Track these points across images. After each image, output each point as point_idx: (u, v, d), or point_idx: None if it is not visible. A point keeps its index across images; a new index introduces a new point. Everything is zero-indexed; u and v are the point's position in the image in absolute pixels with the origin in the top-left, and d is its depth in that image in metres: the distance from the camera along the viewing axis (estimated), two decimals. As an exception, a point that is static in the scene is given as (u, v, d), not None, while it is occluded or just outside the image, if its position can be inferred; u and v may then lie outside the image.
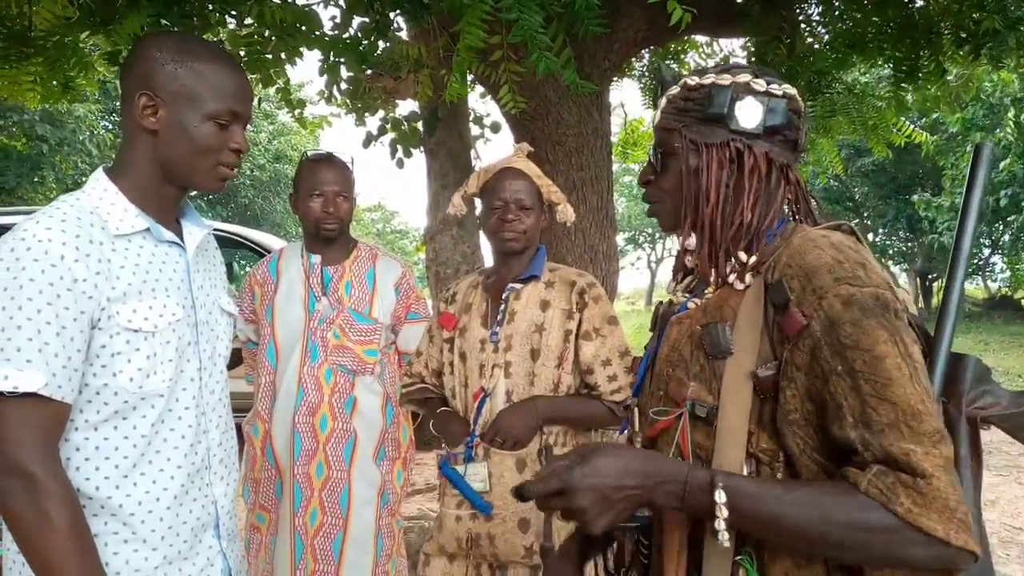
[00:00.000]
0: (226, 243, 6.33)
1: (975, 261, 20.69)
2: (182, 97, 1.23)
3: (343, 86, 4.17)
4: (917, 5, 3.42)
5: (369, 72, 3.84)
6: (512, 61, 2.41)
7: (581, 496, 0.94)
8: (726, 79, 1.10)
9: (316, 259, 2.45)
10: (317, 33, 3.69)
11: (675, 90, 1.15)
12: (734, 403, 1.01)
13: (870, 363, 0.91)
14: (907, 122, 4.61)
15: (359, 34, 3.76)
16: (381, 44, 3.76)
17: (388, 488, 2.47)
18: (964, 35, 3.27)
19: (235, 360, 2.33)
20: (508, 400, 1.96)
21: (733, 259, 1.11)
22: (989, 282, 27.03)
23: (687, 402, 1.06)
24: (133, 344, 1.20)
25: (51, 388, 1.11)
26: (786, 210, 1.16)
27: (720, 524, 0.92)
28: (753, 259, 1.09)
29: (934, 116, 11.80)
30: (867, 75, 5.29)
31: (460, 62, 2.29)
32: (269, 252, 3.02)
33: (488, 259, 4.51)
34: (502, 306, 2.03)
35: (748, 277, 1.08)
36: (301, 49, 3.84)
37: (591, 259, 3.41)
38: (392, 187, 53.54)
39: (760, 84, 1.10)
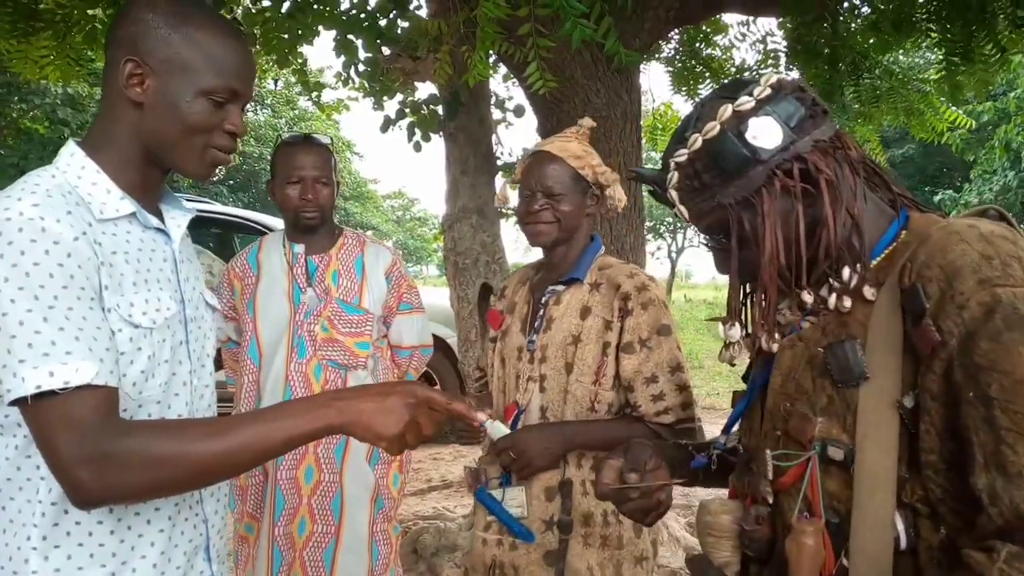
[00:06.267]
0: (241, 229, 6.26)
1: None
2: (175, 67, 1.06)
3: (360, 67, 4.02)
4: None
5: (387, 53, 3.69)
6: (540, 35, 2.24)
7: None
8: (712, 126, 0.91)
9: (299, 248, 2.30)
10: (328, 11, 3.56)
11: (675, 178, 0.96)
12: (876, 441, 0.82)
13: (1009, 389, 0.73)
14: (951, 107, 4.35)
15: (376, 12, 3.61)
16: (400, 23, 3.62)
17: (383, 492, 2.32)
18: (1022, 14, 3.05)
19: (215, 362, 2.19)
20: (543, 417, 1.75)
21: (832, 281, 0.92)
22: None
23: (814, 443, 0.87)
24: (136, 342, 1.05)
25: (103, 375, 0.96)
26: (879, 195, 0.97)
27: None
28: (848, 272, 0.89)
29: (966, 107, 11.46)
30: (907, 59, 5.05)
31: (483, 37, 2.11)
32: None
33: (509, 250, 4.36)
34: (540, 311, 1.81)
35: (869, 291, 0.89)
36: (317, 27, 3.71)
37: (618, 251, 3.22)
38: (413, 174, 53.46)
39: (747, 101, 0.90)
